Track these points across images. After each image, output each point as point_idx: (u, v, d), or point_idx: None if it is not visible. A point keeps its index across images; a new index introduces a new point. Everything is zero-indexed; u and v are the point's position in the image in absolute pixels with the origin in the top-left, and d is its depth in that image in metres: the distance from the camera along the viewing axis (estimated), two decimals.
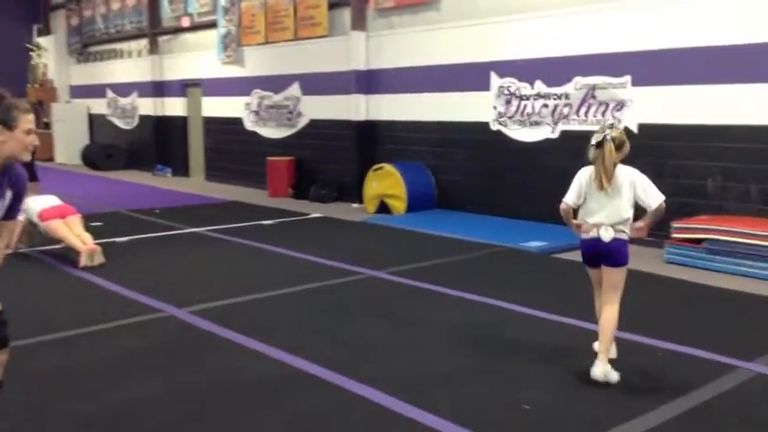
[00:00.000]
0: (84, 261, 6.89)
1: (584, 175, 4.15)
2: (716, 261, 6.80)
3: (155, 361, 4.41)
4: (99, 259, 6.99)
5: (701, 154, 7.56)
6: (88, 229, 7.47)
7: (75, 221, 7.37)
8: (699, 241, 6.93)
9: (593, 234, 4.08)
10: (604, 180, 3.99)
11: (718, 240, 6.79)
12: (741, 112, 7.21)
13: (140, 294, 5.88)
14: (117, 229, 8.88)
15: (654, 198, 4.01)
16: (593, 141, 4.01)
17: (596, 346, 4.30)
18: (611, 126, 4.08)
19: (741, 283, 6.22)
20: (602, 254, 4.09)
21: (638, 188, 4.03)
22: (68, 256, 7.18)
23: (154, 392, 3.91)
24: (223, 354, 4.53)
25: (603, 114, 8.29)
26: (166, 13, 15.92)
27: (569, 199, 4.17)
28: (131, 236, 8.52)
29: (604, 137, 3.95)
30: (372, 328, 5.04)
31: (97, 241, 7.40)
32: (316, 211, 10.66)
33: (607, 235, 4.03)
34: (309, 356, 4.38)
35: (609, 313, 4.08)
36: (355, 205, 11.17)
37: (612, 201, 4.03)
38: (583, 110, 8.54)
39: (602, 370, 3.95)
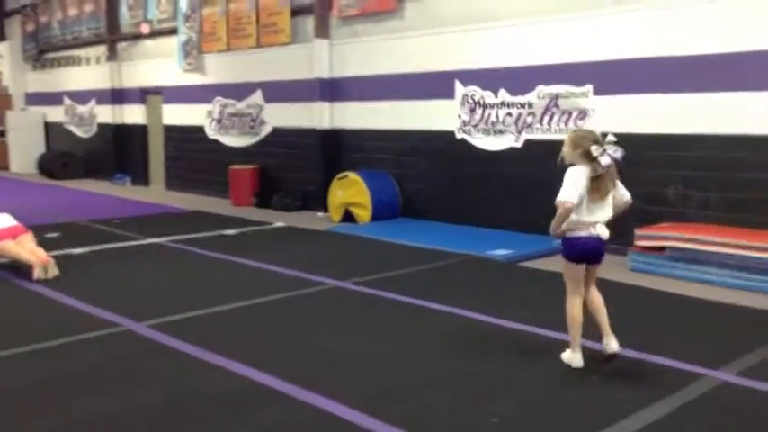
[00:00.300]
0: (37, 274, 6.65)
1: (583, 177, 4.15)
2: (678, 268, 6.86)
3: (112, 377, 4.24)
4: (53, 272, 6.76)
5: (662, 162, 7.63)
6: (43, 241, 7.23)
7: (27, 239, 7.15)
8: (662, 249, 6.99)
9: (593, 232, 4.21)
10: (605, 191, 4.23)
11: (680, 248, 6.86)
12: (700, 120, 7.31)
13: (97, 308, 5.68)
14: (74, 241, 8.61)
15: (627, 192, 4.38)
16: (599, 155, 4.10)
17: (566, 355, 4.37)
18: (614, 143, 4.18)
19: (704, 291, 6.27)
20: (599, 251, 4.29)
21: (618, 186, 4.31)
22: (21, 268, 6.92)
23: (112, 410, 3.75)
24: (183, 369, 4.38)
25: (566, 123, 8.34)
26: (125, 19, 15.64)
27: (575, 199, 4.14)
28: (88, 247, 8.27)
29: (614, 159, 4.12)
30: (337, 340, 4.94)
31: (53, 253, 7.18)
32: (279, 220, 10.52)
33: (605, 233, 4.24)
34: (272, 370, 4.26)
35: (598, 294, 4.43)
36: (320, 214, 11.06)
37: (606, 200, 4.27)
38: (546, 119, 8.58)
39: (615, 344, 4.30)
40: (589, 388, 4.02)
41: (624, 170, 7.57)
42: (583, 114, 8.23)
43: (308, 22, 11.35)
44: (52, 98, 18.67)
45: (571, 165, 4.24)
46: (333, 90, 11.17)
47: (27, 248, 6.97)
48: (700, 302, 5.90)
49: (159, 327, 5.18)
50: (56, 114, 18.66)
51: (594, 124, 8.04)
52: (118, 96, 16.23)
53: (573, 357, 4.35)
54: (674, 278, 6.74)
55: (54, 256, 7.05)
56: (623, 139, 7.67)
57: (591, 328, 4.73)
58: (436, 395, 3.95)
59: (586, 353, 4.42)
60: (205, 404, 3.83)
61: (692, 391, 3.90)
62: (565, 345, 4.51)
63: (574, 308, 4.36)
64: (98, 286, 6.52)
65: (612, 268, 6.94)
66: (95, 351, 4.72)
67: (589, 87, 8.16)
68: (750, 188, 7.02)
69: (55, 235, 9.02)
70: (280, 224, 10.13)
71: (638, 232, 7.19)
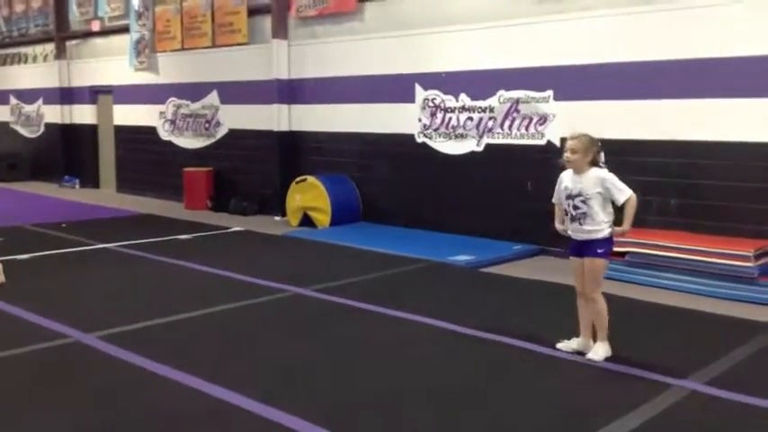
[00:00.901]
0: None
1: None
2: (638, 274, 6.87)
3: (57, 393, 3.99)
4: None
5: (622, 168, 7.52)
6: None
7: None
8: (622, 254, 6.99)
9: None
10: None
11: (640, 253, 6.87)
12: (660, 127, 7.35)
13: (43, 318, 5.39)
14: (19, 246, 8.24)
15: None
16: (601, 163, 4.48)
17: (604, 349, 4.50)
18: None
19: (663, 296, 6.28)
20: None
21: None
22: None
23: (56, 429, 3.52)
24: (134, 384, 4.15)
25: (527, 128, 8.32)
26: (75, 16, 15.13)
27: None
28: (35, 253, 7.91)
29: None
30: (297, 351, 4.76)
31: None
32: (236, 224, 10.27)
33: None
34: (229, 384, 4.07)
35: None
36: (278, 218, 10.83)
37: None
38: (507, 123, 8.54)
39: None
40: (553, 401, 3.93)
41: None
42: (543, 119, 8.21)
43: (266, 23, 11.12)
44: None
45: (564, 168, 4.55)
46: (291, 92, 10.97)
47: None
48: (661, 308, 5.90)
49: (109, 338, 4.93)
50: (1, 114, 17.96)
51: (555, 130, 8.06)
52: (67, 96, 15.71)
53: (608, 348, 4.48)
54: (634, 284, 6.74)
55: None
56: None
57: (544, 338, 4.67)
58: (399, 407, 3.81)
59: (554, 363, 4.35)
60: (157, 422, 3.62)
61: (662, 402, 3.85)
62: (526, 354, 4.48)
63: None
64: (44, 295, 6.20)
65: (572, 274, 6.92)
66: (39, 365, 4.45)
67: (550, 93, 8.15)
68: (709, 194, 7.08)
69: None
70: (236, 229, 9.89)
71: None
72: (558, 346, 4.61)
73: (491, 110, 8.68)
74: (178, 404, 3.85)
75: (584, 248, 4.47)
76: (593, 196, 4.37)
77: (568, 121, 7.95)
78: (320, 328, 5.33)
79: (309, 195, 10.03)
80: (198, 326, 5.34)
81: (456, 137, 9.07)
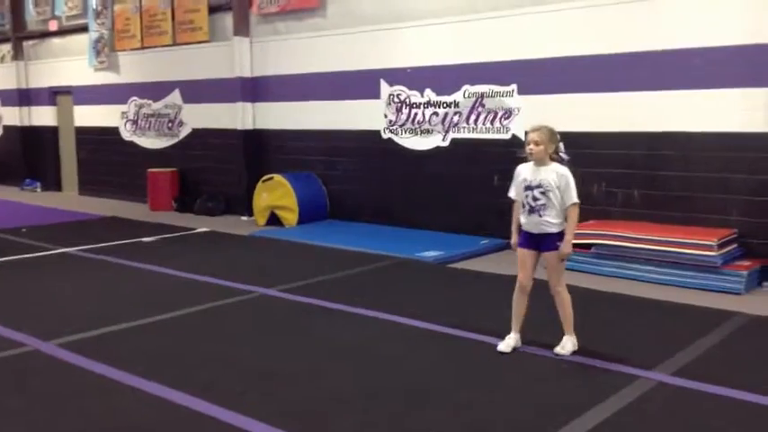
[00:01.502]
0: None
1: None
2: (604, 266, 6.91)
3: (16, 405, 3.86)
4: None
5: (587, 160, 7.66)
6: None
7: None
8: (588, 246, 7.03)
9: None
10: None
11: (605, 245, 6.91)
12: (623, 119, 7.40)
13: (0, 326, 5.23)
14: None
15: None
16: (562, 153, 4.50)
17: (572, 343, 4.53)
18: None
19: (630, 287, 6.33)
20: None
21: None
22: None
23: None
24: (97, 393, 4.03)
25: (492, 123, 8.32)
26: (31, 16, 14.76)
27: None
28: None
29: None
30: (264, 354, 4.69)
31: None
32: (202, 225, 10.11)
33: None
34: (195, 391, 3.98)
35: None
36: (245, 218, 10.70)
37: None
38: (472, 118, 8.53)
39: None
40: (521, 396, 3.92)
41: None
42: (508, 113, 8.22)
43: (227, 20, 10.96)
44: None
45: (524, 160, 4.56)
46: (255, 89, 10.83)
47: None
48: (627, 299, 5.94)
49: (70, 345, 4.80)
50: None
51: (520, 123, 8.07)
52: (25, 97, 15.34)
53: (575, 341, 4.53)
54: (600, 275, 6.78)
55: None
56: None
57: (529, 328, 4.66)
58: (369, 409, 3.77)
59: (520, 358, 4.34)
60: None
61: (629, 395, 3.85)
62: (494, 350, 4.48)
63: None
64: (2, 302, 6.03)
65: (538, 267, 6.93)
66: None
67: (514, 86, 8.15)
68: (672, 185, 7.15)
69: None
70: (202, 229, 9.74)
71: None
72: (499, 348, 4.56)
73: (456, 105, 8.67)
74: (142, 413, 3.75)
75: (542, 242, 4.47)
76: (552, 189, 4.37)
77: (533, 114, 7.96)
78: (287, 329, 5.26)
79: (276, 194, 9.93)
80: (162, 331, 5.23)
81: (422, 132, 9.04)
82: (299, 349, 4.77)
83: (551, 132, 4.45)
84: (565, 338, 4.52)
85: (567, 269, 6.84)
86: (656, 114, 7.20)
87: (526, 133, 4.53)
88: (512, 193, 4.63)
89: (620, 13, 7.34)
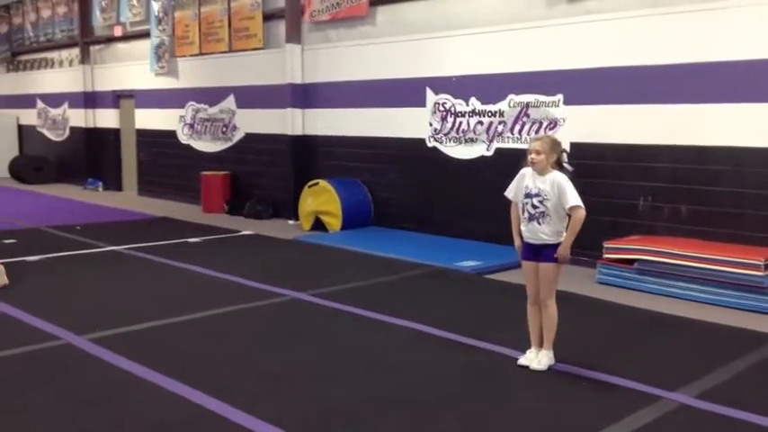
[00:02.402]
0: None
1: None
2: (647, 282, 6.70)
3: (40, 398, 3.99)
4: (1, 280, 6.50)
5: (632, 173, 7.50)
6: None
7: None
8: (630, 262, 6.84)
9: None
10: None
11: (649, 261, 6.71)
12: (672, 131, 7.17)
13: (40, 320, 5.44)
14: (31, 247, 8.37)
15: None
16: (565, 163, 4.46)
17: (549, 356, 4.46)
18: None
19: (670, 305, 6.12)
20: None
21: None
22: None
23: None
24: (119, 389, 4.14)
25: (537, 133, 8.18)
26: (98, 21, 15.36)
27: None
28: (45, 254, 8.02)
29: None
30: (286, 357, 4.72)
31: (7, 260, 6.92)
32: (250, 227, 10.29)
33: None
34: (214, 391, 4.04)
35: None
36: (291, 222, 10.84)
37: None
38: (517, 127, 8.43)
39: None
40: (538, 412, 3.84)
41: (594, 181, 7.53)
42: (553, 124, 8.08)
43: (281, 27, 11.16)
44: (25, 101, 18.35)
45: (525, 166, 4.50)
46: (305, 96, 10.97)
47: None
48: (664, 318, 5.74)
49: (101, 341, 4.95)
50: (29, 117, 18.33)
51: (565, 134, 7.92)
52: (90, 100, 15.95)
53: (551, 356, 4.45)
54: (642, 292, 6.58)
55: (7, 264, 6.80)
56: (594, 150, 7.64)
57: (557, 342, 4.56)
58: (381, 417, 3.75)
59: (544, 374, 4.25)
60: (133, 428, 3.60)
61: (647, 415, 3.72)
62: (513, 360, 4.42)
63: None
64: (44, 296, 6.27)
65: (579, 281, 6.81)
66: (25, 367, 4.47)
67: (560, 97, 8.01)
68: (721, 201, 6.89)
69: (11, 241, 8.76)
70: (247, 232, 9.91)
71: (606, 245, 7.03)
72: (520, 362, 4.49)
73: (501, 114, 8.58)
74: (160, 410, 3.83)
75: (539, 253, 4.40)
76: (550, 198, 4.32)
77: (578, 125, 7.83)
78: (312, 334, 5.29)
79: (321, 199, 10.02)
80: (189, 330, 5.33)
81: (466, 141, 8.98)
82: (318, 354, 4.79)
83: (553, 142, 4.42)
84: (542, 353, 4.45)
85: (608, 284, 6.84)
86: (706, 127, 6.95)
87: (534, 141, 4.51)
88: (509, 194, 4.58)
89: (669, 24, 7.13)
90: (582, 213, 4.29)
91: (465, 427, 3.63)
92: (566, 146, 7.80)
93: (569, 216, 4.33)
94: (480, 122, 8.80)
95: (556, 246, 4.36)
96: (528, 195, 4.40)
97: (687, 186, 7.13)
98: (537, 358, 4.44)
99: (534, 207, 4.37)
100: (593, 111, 7.71)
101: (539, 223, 4.36)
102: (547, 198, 4.32)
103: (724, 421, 3.69)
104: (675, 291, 6.50)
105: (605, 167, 7.67)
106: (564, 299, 6.02)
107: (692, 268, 6.41)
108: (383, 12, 9.86)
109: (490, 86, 8.64)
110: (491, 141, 8.72)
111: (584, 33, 7.77)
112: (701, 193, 7.04)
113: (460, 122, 9.03)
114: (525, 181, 4.46)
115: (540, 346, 4.49)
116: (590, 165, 7.71)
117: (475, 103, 8.85)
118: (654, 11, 7.24)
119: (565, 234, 4.36)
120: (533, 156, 4.37)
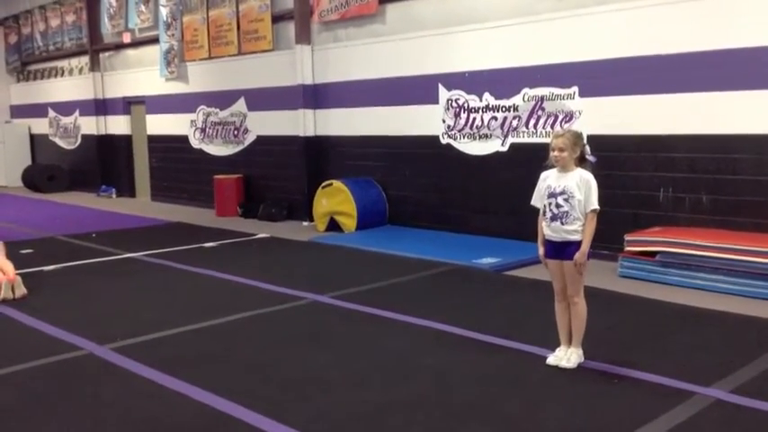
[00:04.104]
0: (2, 294, 6.37)
1: None
2: (670, 274, 6.60)
3: (63, 407, 3.96)
4: (20, 291, 6.48)
5: (651, 165, 7.39)
6: (15, 257, 6.96)
7: None
8: (652, 254, 6.74)
9: None
10: None
11: (671, 253, 6.60)
12: (691, 121, 7.07)
13: (59, 329, 5.41)
14: (48, 256, 8.36)
15: None
16: (588, 156, 4.36)
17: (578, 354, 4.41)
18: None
19: (695, 298, 6.02)
20: None
21: None
22: None
23: None
24: (141, 397, 4.10)
25: (552, 126, 8.09)
26: (107, 29, 15.36)
27: None
28: (62, 263, 8.00)
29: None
30: (308, 361, 4.66)
31: (24, 270, 6.92)
32: (264, 230, 10.25)
33: None
34: (236, 397, 3.99)
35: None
36: (306, 223, 10.79)
37: None
38: (532, 122, 8.34)
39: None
40: (571, 409, 3.76)
41: (613, 173, 7.44)
42: (569, 117, 7.98)
43: (290, 28, 11.10)
44: (37, 110, 18.41)
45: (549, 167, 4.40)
46: (316, 96, 10.92)
47: None
48: (690, 311, 5.64)
49: (122, 350, 4.91)
50: (40, 126, 18.39)
51: (582, 126, 7.81)
52: (101, 107, 15.97)
53: (581, 354, 4.40)
54: (665, 284, 6.48)
55: (24, 274, 6.79)
56: (612, 142, 7.54)
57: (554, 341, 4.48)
58: (404, 421, 3.68)
59: (572, 371, 4.18)
60: None
61: (683, 412, 3.63)
62: (541, 359, 4.33)
63: None
64: (65, 305, 6.25)
65: (601, 274, 6.71)
66: (48, 378, 4.44)
67: (575, 89, 7.91)
68: (743, 190, 6.78)
69: (28, 251, 8.76)
70: (262, 235, 9.86)
71: (627, 237, 6.94)
72: (549, 361, 4.41)
73: (515, 109, 8.49)
74: (182, 417, 3.79)
75: (563, 250, 4.31)
76: (575, 195, 4.22)
77: (595, 117, 7.73)
78: (334, 337, 5.23)
79: (335, 200, 9.96)
80: (211, 335, 5.29)
81: (481, 137, 8.89)
82: (341, 357, 4.73)
83: (576, 136, 4.31)
84: (571, 350, 4.38)
85: (630, 277, 6.73)
86: (726, 116, 6.83)
87: (556, 136, 4.38)
88: (535, 202, 4.47)
89: (686, 11, 7.02)
90: (596, 218, 4.25)
91: (499, 428, 3.56)
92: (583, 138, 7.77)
93: (586, 216, 4.24)
94: (494, 118, 8.71)
95: (580, 242, 4.27)
96: (552, 195, 4.30)
97: (708, 176, 7.02)
98: (566, 356, 4.36)
99: (558, 206, 4.27)
100: (610, 102, 7.61)
101: (562, 223, 4.27)
102: (572, 195, 4.22)
103: (763, 417, 3.60)
104: (699, 282, 6.40)
105: (624, 159, 7.57)
106: (586, 294, 5.96)
107: (716, 259, 6.30)
108: (393, 9, 9.79)
109: (503, 81, 8.55)
110: (506, 136, 8.63)
111: (597, 24, 7.67)
112: (722, 182, 6.93)
113: (474, 118, 8.94)
114: (548, 182, 4.37)
115: (569, 343, 4.41)
116: (608, 157, 7.60)
117: (488, 99, 8.76)
118: None
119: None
120: (556, 153, 4.27)
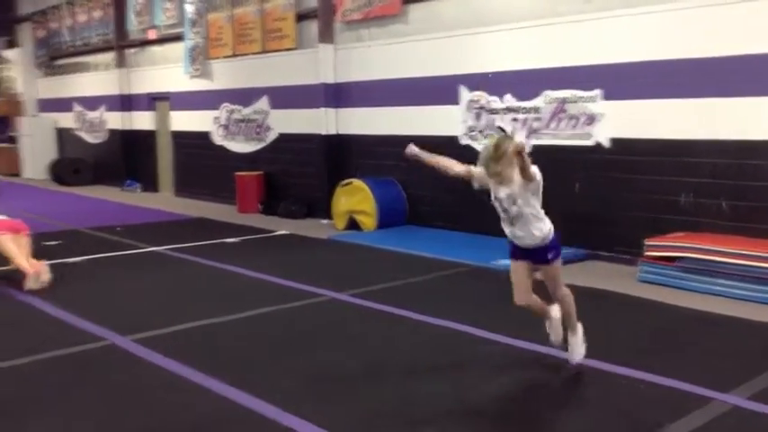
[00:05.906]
0: (30, 284, 6.51)
1: None
2: (690, 280, 6.57)
3: (84, 398, 4.06)
4: (45, 277, 6.60)
5: (673, 169, 7.36)
6: (42, 249, 7.08)
7: (26, 241, 7.00)
8: (673, 259, 6.71)
9: None
10: None
11: (691, 258, 6.58)
12: (712, 126, 7.02)
13: (83, 320, 5.53)
14: (74, 249, 8.51)
15: None
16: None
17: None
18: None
19: (716, 304, 5.98)
20: None
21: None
22: (15, 276, 6.77)
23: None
24: (161, 388, 4.19)
25: (574, 128, 8.08)
26: (133, 25, 15.55)
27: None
28: (87, 256, 8.14)
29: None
30: (326, 358, 4.72)
31: (51, 261, 7.03)
32: (284, 227, 10.34)
33: None
34: (255, 391, 4.06)
35: None
36: (325, 221, 10.85)
37: None
38: (553, 124, 8.33)
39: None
40: (586, 414, 3.78)
41: (634, 177, 7.42)
42: (591, 119, 7.96)
43: (313, 27, 11.18)
44: (63, 104, 18.68)
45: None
46: (338, 95, 10.99)
47: (23, 252, 6.81)
48: (710, 317, 5.62)
49: (144, 341, 5.01)
50: (67, 120, 18.65)
51: (604, 130, 7.82)
52: (127, 102, 16.17)
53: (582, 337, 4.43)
54: (685, 290, 6.45)
55: (50, 265, 6.92)
56: (633, 145, 7.51)
57: (592, 348, 4.49)
58: (422, 420, 3.72)
59: (590, 375, 4.19)
60: (179, 428, 3.64)
61: (699, 418, 3.64)
62: (562, 366, 4.38)
63: None
64: (89, 297, 6.37)
65: (621, 280, 6.71)
66: (72, 368, 4.54)
67: (598, 92, 7.89)
68: (764, 196, 6.72)
69: (55, 243, 8.92)
70: (282, 232, 9.95)
71: (648, 242, 6.91)
72: (551, 340, 4.54)
73: (537, 110, 8.48)
74: (201, 409, 3.87)
75: (534, 256, 4.27)
76: (520, 194, 4.12)
77: (618, 120, 7.71)
78: (352, 334, 5.29)
79: (355, 199, 10.02)
80: (231, 330, 5.37)
81: None
82: (359, 355, 4.78)
83: (505, 153, 4.11)
84: (573, 340, 4.37)
85: (650, 282, 6.70)
86: (749, 121, 6.78)
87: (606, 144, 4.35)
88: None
89: (710, 16, 6.97)
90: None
91: (515, 429, 3.59)
92: (605, 142, 7.78)
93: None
94: (515, 119, 8.72)
95: (548, 245, 4.20)
96: (496, 199, 4.22)
97: (730, 182, 6.97)
98: (572, 348, 4.36)
99: (505, 210, 4.19)
100: (633, 106, 7.58)
101: (521, 227, 4.19)
102: (516, 195, 4.13)
103: None
104: (719, 288, 6.36)
105: (646, 163, 7.54)
106: (606, 297, 5.99)
107: (737, 265, 6.27)
108: (415, 9, 9.82)
109: (525, 82, 8.54)
110: (527, 138, 8.62)
111: (622, 27, 7.64)
112: (743, 188, 6.88)
113: (494, 119, 8.94)
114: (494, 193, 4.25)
115: (555, 316, 4.48)
116: (630, 160, 7.61)
117: (510, 100, 8.76)
118: (695, 2, 7.08)
119: (547, 221, 4.20)
120: (497, 180, 4.16)
